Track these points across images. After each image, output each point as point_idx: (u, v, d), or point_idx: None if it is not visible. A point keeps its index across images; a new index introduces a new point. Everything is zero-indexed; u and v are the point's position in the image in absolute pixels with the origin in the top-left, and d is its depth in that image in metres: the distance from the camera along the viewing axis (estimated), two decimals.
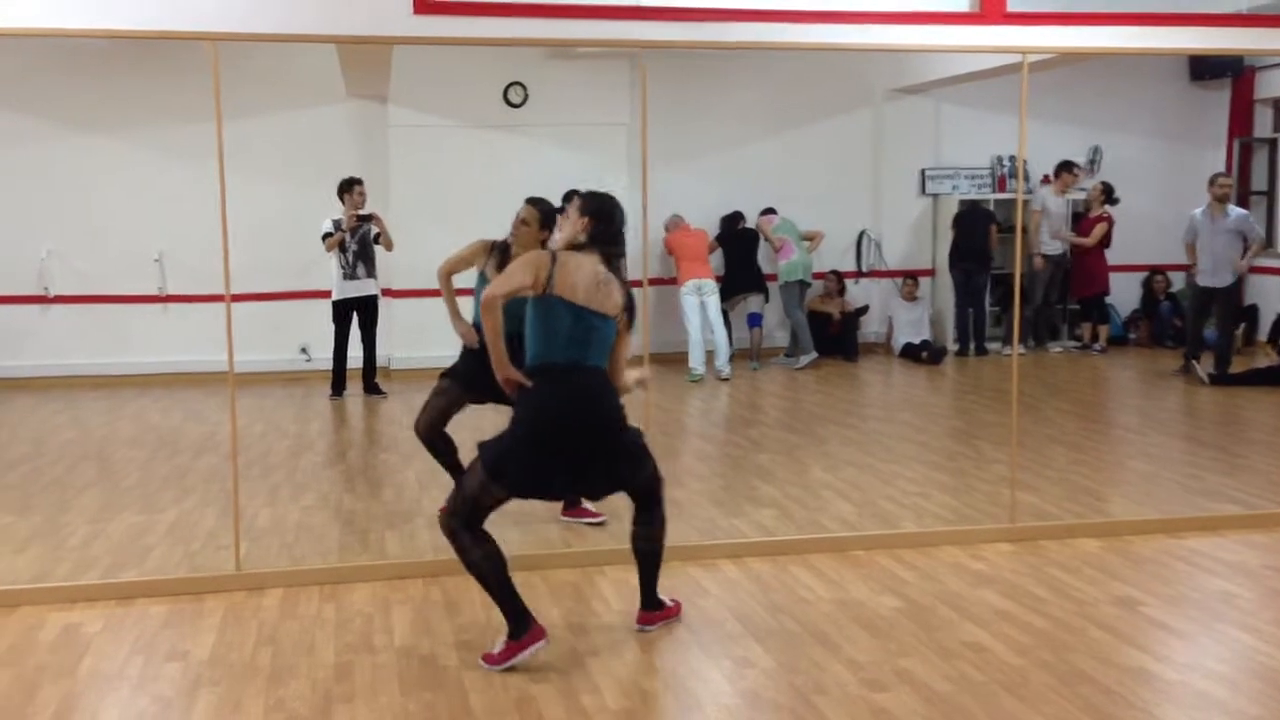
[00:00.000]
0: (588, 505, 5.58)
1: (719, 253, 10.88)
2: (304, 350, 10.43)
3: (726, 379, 9.91)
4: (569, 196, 5.42)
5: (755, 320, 10.83)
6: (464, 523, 3.94)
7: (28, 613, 4.42)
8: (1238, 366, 9.70)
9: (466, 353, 5.63)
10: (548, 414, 3.94)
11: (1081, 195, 11.55)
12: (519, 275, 3.96)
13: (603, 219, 4.14)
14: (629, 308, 4.09)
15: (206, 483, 6.46)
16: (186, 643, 4.14)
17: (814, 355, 10.55)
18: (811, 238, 10.96)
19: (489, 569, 3.93)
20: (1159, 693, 3.69)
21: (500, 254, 5.45)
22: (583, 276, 3.97)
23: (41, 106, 10.06)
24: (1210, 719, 3.50)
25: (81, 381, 9.96)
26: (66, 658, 4.01)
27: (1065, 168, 11.32)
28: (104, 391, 9.71)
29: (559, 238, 4.38)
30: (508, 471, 3.92)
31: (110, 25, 4.65)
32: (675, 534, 5.33)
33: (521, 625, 3.91)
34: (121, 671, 3.90)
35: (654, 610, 4.28)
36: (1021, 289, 6.01)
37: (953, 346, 11.36)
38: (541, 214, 5.31)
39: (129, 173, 10.19)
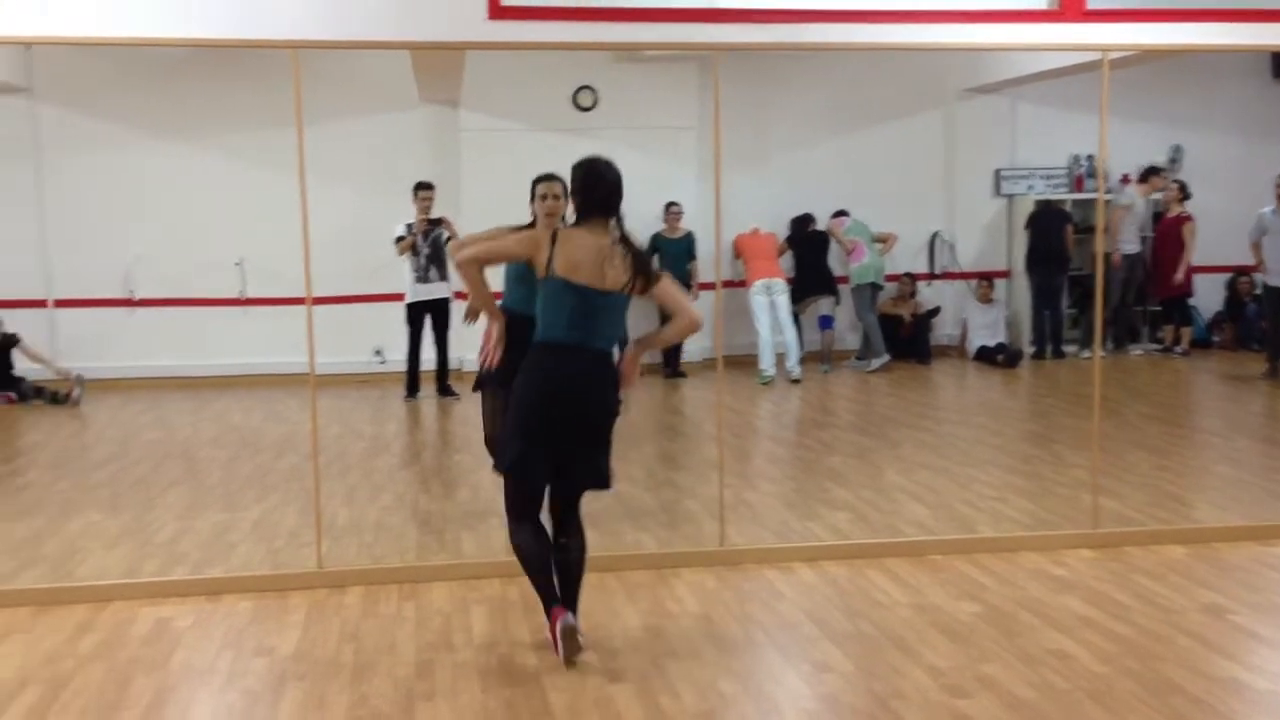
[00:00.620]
0: None
1: (789, 255, 10.85)
2: (378, 352, 10.58)
3: (797, 380, 9.87)
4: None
5: (826, 323, 10.77)
6: (514, 514, 4.06)
7: (120, 607, 4.54)
8: None
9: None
10: (543, 391, 3.91)
11: (1159, 196, 11.32)
12: (511, 246, 4.06)
13: (582, 191, 4.02)
14: (640, 272, 3.95)
15: (287, 482, 6.58)
16: (273, 638, 4.23)
17: (886, 358, 10.47)
18: (884, 240, 10.88)
19: (528, 553, 4.00)
20: (1250, 703, 3.61)
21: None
22: (584, 254, 3.90)
23: (129, 114, 10.33)
24: None
25: (166, 382, 10.22)
26: (158, 651, 4.11)
27: (1152, 172, 11.14)
28: (187, 392, 9.95)
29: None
30: (507, 456, 3.98)
31: (196, 35, 4.78)
32: (750, 536, 5.37)
33: (549, 603, 3.98)
34: (212, 665, 3.99)
35: (557, 605, 3.99)
36: (1102, 290, 5.89)
37: (1029, 349, 11.20)
38: (563, 185, 5.08)
39: (212, 178, 10.43)
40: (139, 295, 10.48)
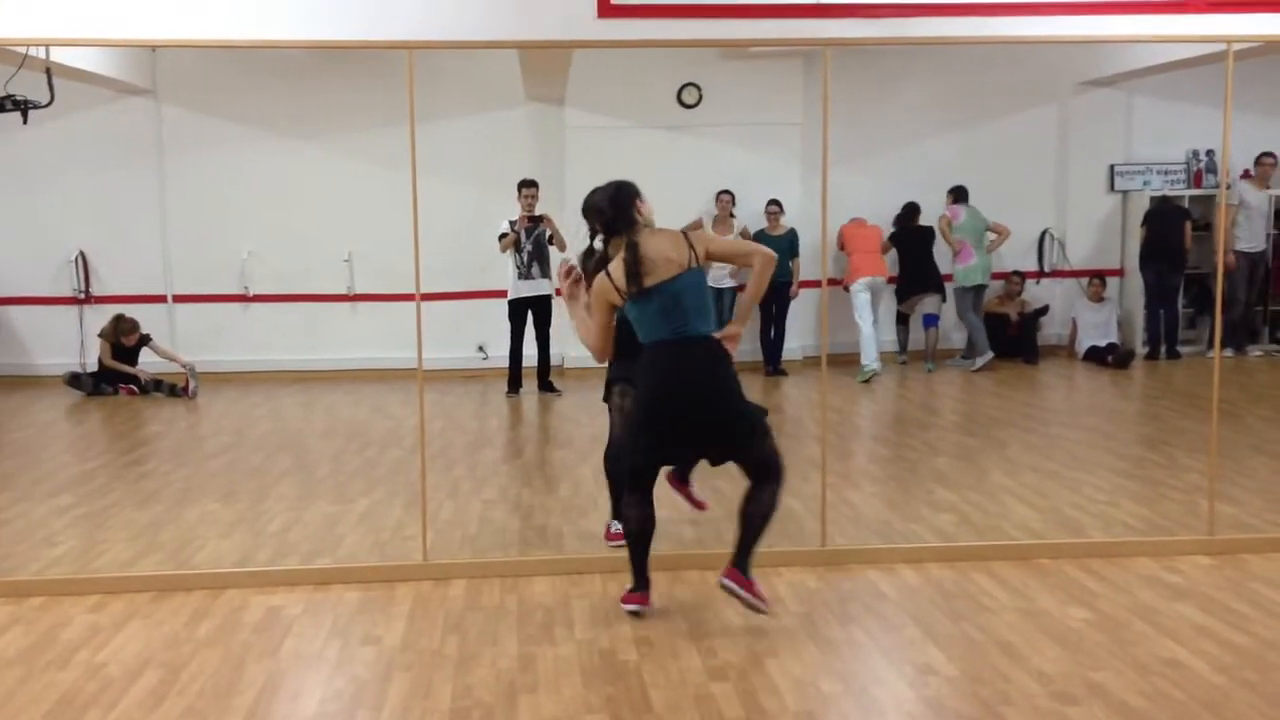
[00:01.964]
0: (693, 491, 5.23)
1: (893, 252, 10.70)
2: (481, 348, 10.74)
3: (868, 379, 9.78)
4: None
5: (931, 321, 10.61)
6: (631, 483, 4.37)
7: (233, 595, 4.69)
8: None
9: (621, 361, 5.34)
10: (657, 387, 4.20)
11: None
12: (598, 313, 4.32)
13: (596, 212, 4.40)
14: (688, 242, 4.20)
15: (393, 475, 6.72)
16: (379, 628, 4.32)
17: (990, 355, 10.26)
18: (998, 231, 10.62)
19: (634, 529, 4.36)
20: None
21: (590, 258, 5.19)
22: (624, 273, 4.18)
23: (247, 114, 10.65)
24: None
25: (279, 376, 10.52)
26: (270, 638, 4.24)
27: (1263, 157, 10.71)
28: (299, 386, 10.22)
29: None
30: (635, 446, 4.31)
31: (315, 36, 4.90)
32: (852, 536, 5.32)
33: (636, 585, 4.40)
34: (321, 653, 4.10)
35: (742, 574, 4.24)
36: (1222, 289, 5.70)
37: (1141, 349, 10.88)
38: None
39: (322, 176, 10.70)
40: (253, 291, 10.80)
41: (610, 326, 4.39)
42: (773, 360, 10.42)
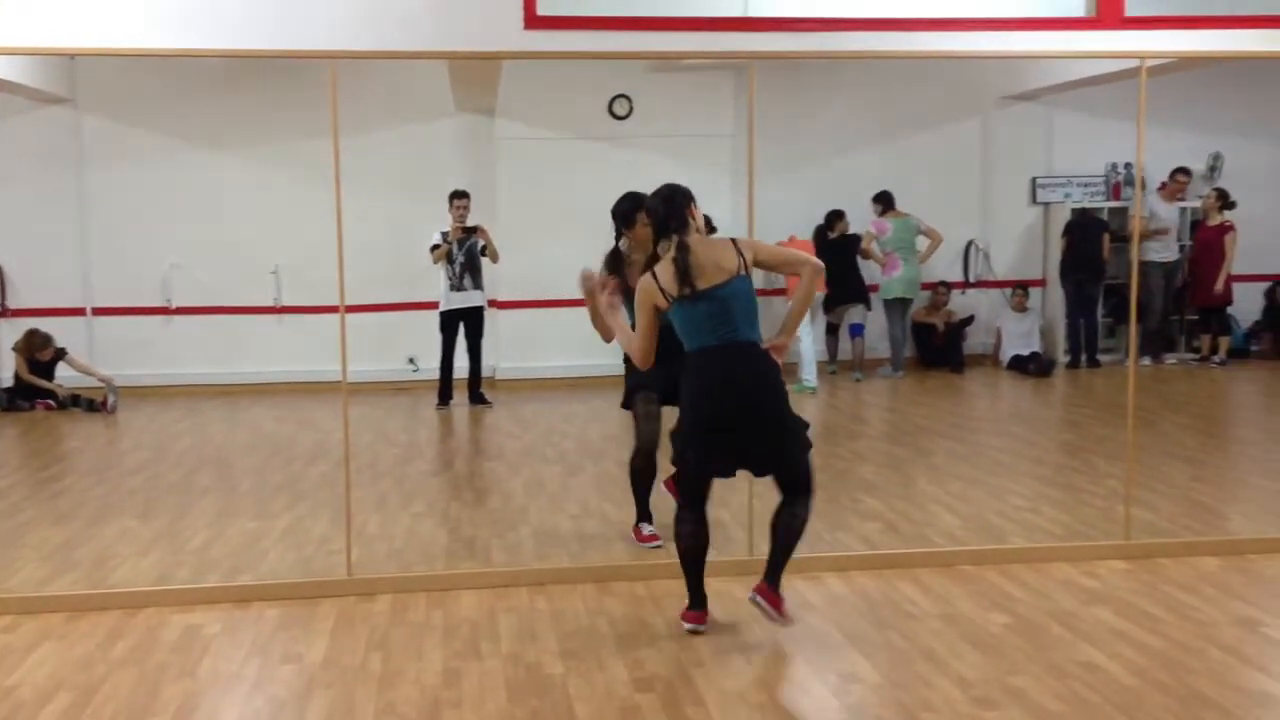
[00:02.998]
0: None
1: None
2: (412, 361, 10.64)
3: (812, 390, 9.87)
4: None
5: (857, 330, 10.72)
6: (686, 500, 4.35)
7: (151, 614, 4.59)
8: None
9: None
10: (705, 395, 4.18)
11: (1198, 203, 11.19)
12: (644, 317, 4.27)
13: (649, 212, 4.40)
14: (737, 247, 4.21)
15: (319, 489, 6.63)
16: (300, 645, 4.25)
17: (899, 374, 10.42)
18: (932, 235, 10.71)
19: (684, 546, 4.34)
20: None
21: (614, 262, 5.38)
22: (674, 275, 4.16)
23: (169, 125, 10.47)
24: None
25: (202, 390, 10.32)
26: (187, 658, 4.15)
27: (1177, 174, 11.02)
28: (223, 400, 10.04)
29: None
30: (686, 455, 4.26)
31: (234, 45, 4.83)
32: None
33: (692, 603, 4.36)
34: (239, 672, 4.02)
35: (772, 590, 4.22)
36: (1137, 300, 5.84)
37: (1063, 358, 11.10)
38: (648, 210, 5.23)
39: (248, 187, 10.54)
40: (175, 304, 10.60)
41: (655, 330, 4.30)
42: None
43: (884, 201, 10.74)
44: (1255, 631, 4.24)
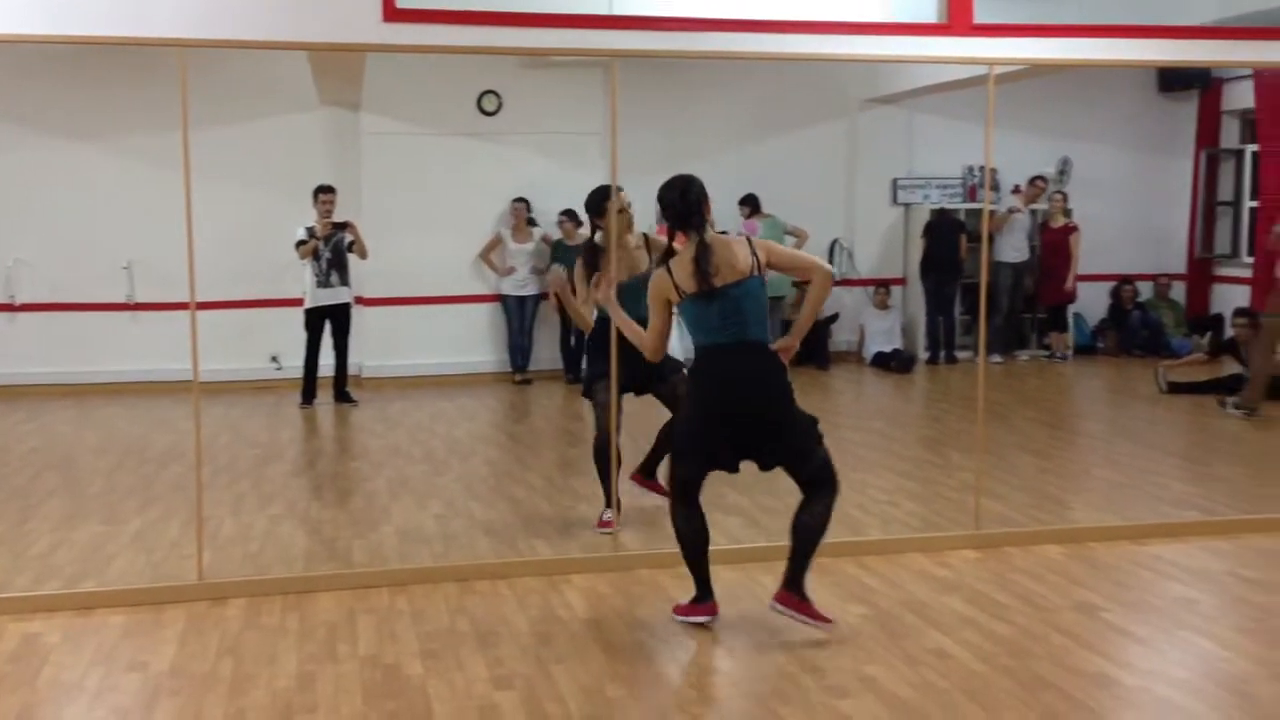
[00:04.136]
0: (661, 481, 5.58)
1: None
2: (275, 359, 10.36)
3: None
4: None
5: None
6: (678, 496, 4.33)
7: None
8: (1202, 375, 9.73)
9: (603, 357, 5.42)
10: (713, 392, 4.19)
11: (1045, 206, 11.65)
12: (659, 314, 4.27)
13: (665, 205, 4.29)
14: (752, 250, 4.21)
15: (172, 492, 6.41)
16: (146, 653, 4.11)
17: None
18: (799, 234, 10.89)
19: (685, 538, 4.32)
20: (1119, 699, 3.72)
21: (590, 254, 5.49)
22: (690, 270, 4.14)
23: (10, 113, 9.98)
24: None
25: (49, 390, 9.85)
26: (25, 668, 3.97)
27: (1036, 179, 11.50)
28: (71, 400, 9.62)
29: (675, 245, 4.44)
30: (686, 452, 4.28)
31: (79, 32, 4.64)
32: (644, 541, 5.37)
33: (700, 596, 4.35)
34: (80, 682, 3.86)
35: (795, 595, 4.19)
36: (989, 298, 6.05)
37: (923, 355, 11.42)
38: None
39: (99, 180, 10.11)
40: (20, 300, 10.13)
41: (669, 325, 4.31)
42: (572, 369, 10.46)
43: (751, 204, 10.90)
44: (1094, 616, 4.43)
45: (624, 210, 5.44)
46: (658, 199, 4.31)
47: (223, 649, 4.14)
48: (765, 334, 4.25)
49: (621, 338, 4.82)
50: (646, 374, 5.31)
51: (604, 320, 5.23)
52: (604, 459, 5.50)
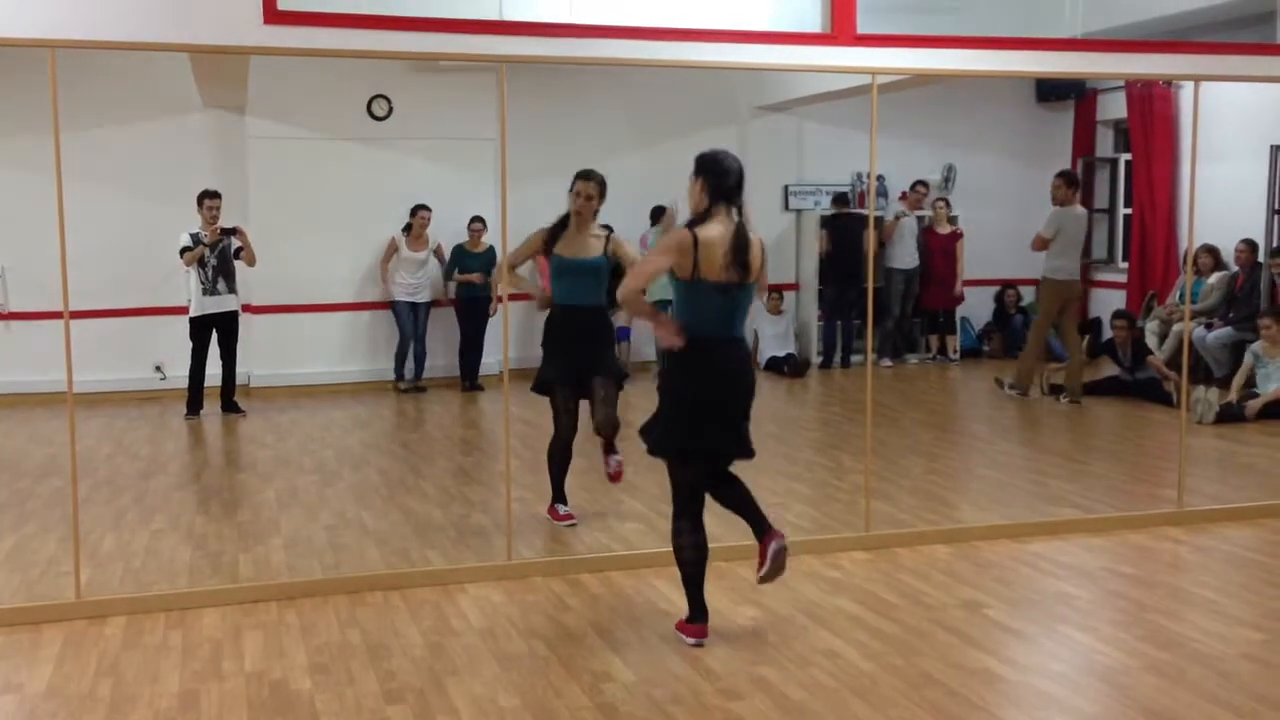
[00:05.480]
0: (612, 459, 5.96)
1: None
2: (159, 368, 10.08)
3: None
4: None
5: (624, 334, 10.87)
6: (680, 509, 4.27)
7: None
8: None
9: (555, 353, 5.72)
10: (698, 385, 4.17)
11: (930, 212, 11.94)
12: (660, 260, 4.16)
13: (715, 173, 4.24)
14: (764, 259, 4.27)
15: (49, 508, 6.19)
16: (20, 675, 3.96)
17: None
18: None
19: (687, 558, 4.25)
20: (1002, 694, 3.82)
21: (557, 228, 5.84)
22: (722, 252, 4.08)
23: None
24: (1050, 718, 3.63)
25: None
26: None
27: (917, 185, 11.81)
28: None
29: (688, 208, 4.40)
30: (687, 452, 4.22)
31: None
32: (539, 549, 5.36)
33: (693, 615, 4.25)
34: None
35: (773, 531, 4.25)
36: (876, 303, 6.18)
37: (816, 359, 11.60)
38: (599, 184, 5.85)
39: None
40: None
41: (653, 280, 4.34)
42: (469, 375, 10.37)
43: (655, 216, 10.97)
44: (978, 613, 4.55)
45: (592, 198, 5.82)
46: (712, 161, 4.25)
47: (102, 669, 4.01)
48: (743, 331, 4.33)
49: (564, 330, 5.37)
50: (592, 365, 5.63)
51: (555, 316, 5.72)
52: (562, 459, 5.81)
